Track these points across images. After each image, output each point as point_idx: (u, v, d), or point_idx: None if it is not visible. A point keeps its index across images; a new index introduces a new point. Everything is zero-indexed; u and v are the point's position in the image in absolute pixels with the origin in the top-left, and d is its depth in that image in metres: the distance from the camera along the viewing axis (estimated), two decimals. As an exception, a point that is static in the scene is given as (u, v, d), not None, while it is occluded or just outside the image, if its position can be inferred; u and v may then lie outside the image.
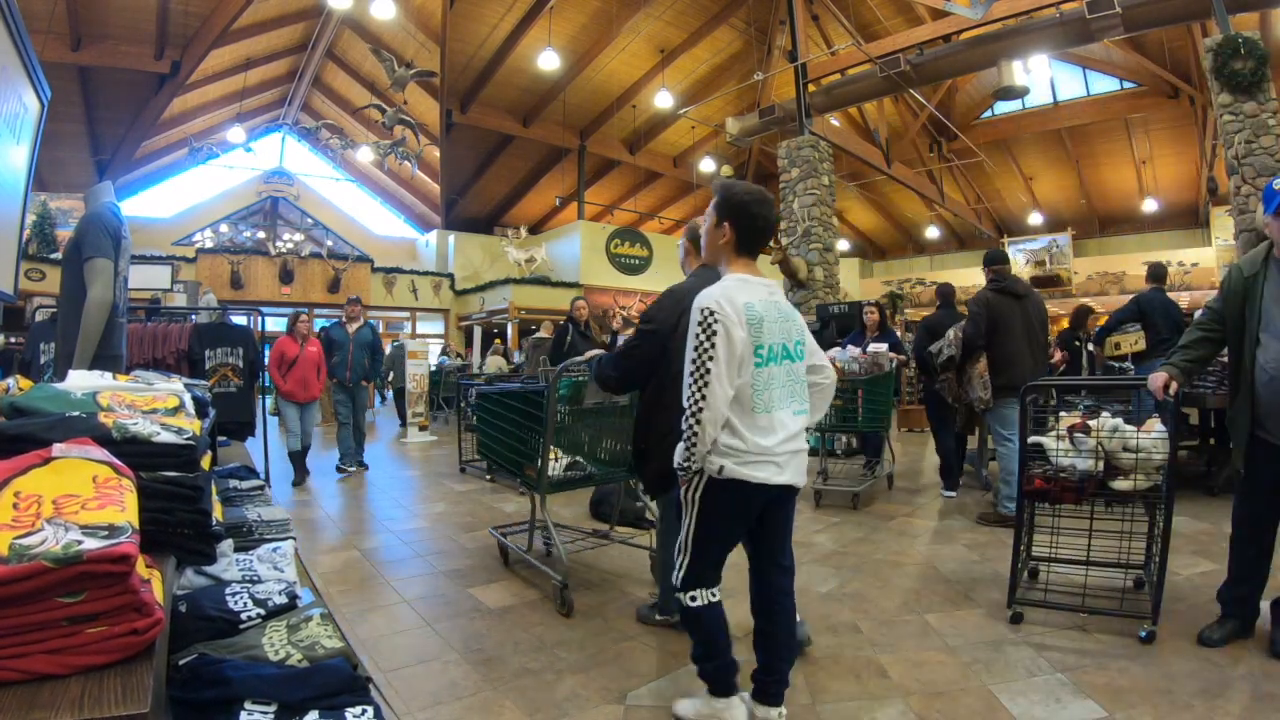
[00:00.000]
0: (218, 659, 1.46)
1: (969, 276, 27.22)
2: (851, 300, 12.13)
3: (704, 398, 2.46)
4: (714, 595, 2.80)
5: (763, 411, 2.57)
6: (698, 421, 2.47)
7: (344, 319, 9.24)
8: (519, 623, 3.85)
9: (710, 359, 2.45)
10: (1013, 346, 5.77)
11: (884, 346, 7.12)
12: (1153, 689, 2.92)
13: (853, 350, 7.03)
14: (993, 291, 5.98)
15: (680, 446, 2.57)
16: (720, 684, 2.76)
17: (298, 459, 8.08)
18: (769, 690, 2.75)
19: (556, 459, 4.31)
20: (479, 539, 5.63)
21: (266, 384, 8.22)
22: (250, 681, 1.38)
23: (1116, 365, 7.64)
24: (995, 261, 6.20)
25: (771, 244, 14.80)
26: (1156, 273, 7.58)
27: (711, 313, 2.47)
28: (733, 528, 2.80)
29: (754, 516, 2.76)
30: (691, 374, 2.50)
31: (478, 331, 20.31)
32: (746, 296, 2.57)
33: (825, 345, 6.71)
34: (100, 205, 3.42)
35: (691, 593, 2.75)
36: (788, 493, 2.77)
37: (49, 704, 0.97)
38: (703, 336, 2.48)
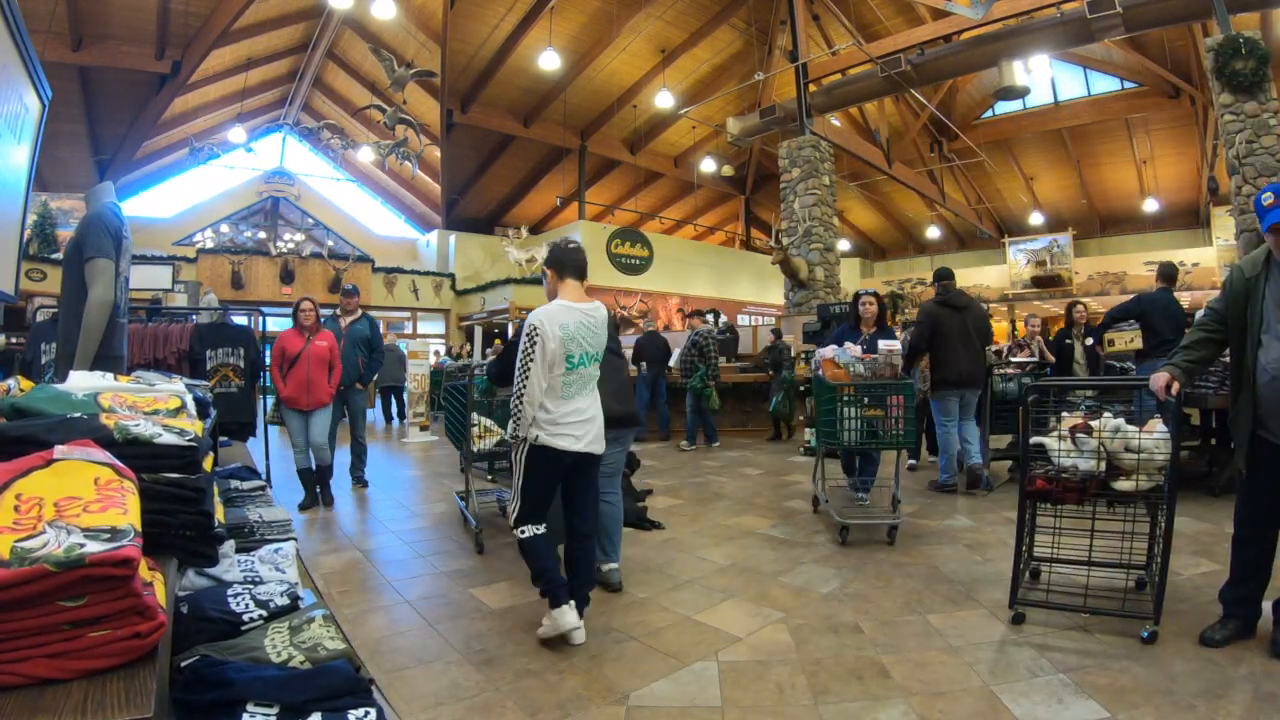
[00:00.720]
0: (220, 660, 1.46)
1: (970, 276, 27.28)
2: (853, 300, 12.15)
3: (526, 387, 3.50)
4: (539, 529, 3.66)
5: (567, 399, 3.60)
6: (521, 403, 3.52)
7: (338, 311, 8.03)
8: (521, 623, 3.85)
9: (531, 360, 3.49)
10: (950, 351, 6.84)
11: (895, 344, 5.67)
12: (1155, 689, 2.91)
13: (853, 349, 5.61)
14: (937, 304, 7.10)
15: (510, 422, 3.65)
16: (554, 598, 3.58)
17: (308, 479, 6.82)
18: (579, 603, 3.67)
19: (483, 437, 5.69)
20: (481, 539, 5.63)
21: (267, 383, 7.49)
22: (253, 683, 1.38)
23: (1118, 365, 7.63)
24: (942, 278, 7.26)
25: (772, 244, 14.83)
26: (1166, 273, 7.56)
27: (535, 327, 3.51)
28: (547, 481, 3.69)
29: (562, 475, 3.72)
30: (518, 369, 3.54)
31: (479, 331, 20.28)
32: (564, 319, 3.59)
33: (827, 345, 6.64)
34: (101, 205, 3.42)
35: (522, 528, 3.64)
36: (587, 459, 3.73)
37: (51, 708, 0.96)
38: (527, 343, 3.51)
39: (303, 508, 6.71)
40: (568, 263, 3.85)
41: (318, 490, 6.92)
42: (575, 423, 3.60)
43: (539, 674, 3.22)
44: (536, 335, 3.49)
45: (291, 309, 6.91)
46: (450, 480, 8.26)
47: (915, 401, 5.58)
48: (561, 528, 3.93)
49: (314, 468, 6.81)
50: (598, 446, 3.74)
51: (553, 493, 3.77)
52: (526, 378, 3.48)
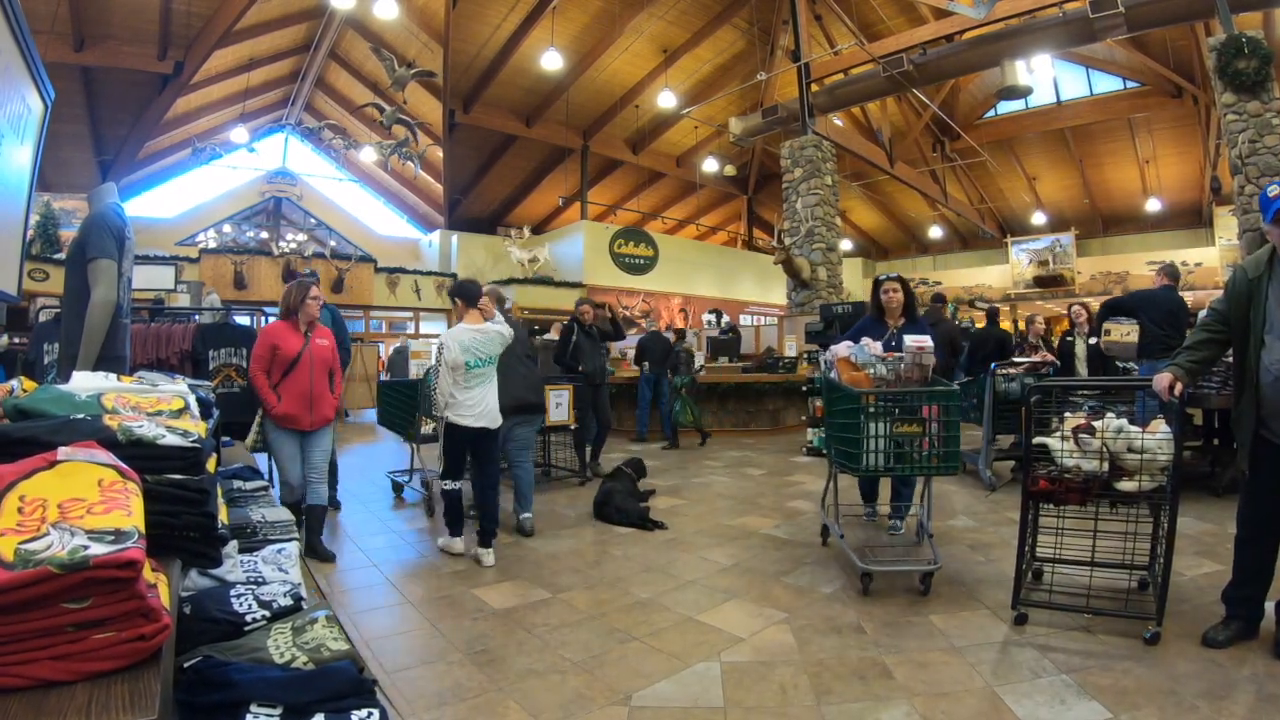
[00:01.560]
0: (223, 661, 1.46)
1: (972, 276, 27.31)
2: (855, 300, 12.11)
3: (439, 382, 5.06)
4: (456, 485, 5.26)
5: (469, 390, 5.04)
6: (436, 394, 5.12)
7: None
8: (523, 623, 3.85)
9: (441, 363, 5.02)
10: None
11: (926, 339, 4.48)
12: (1157, 690, 2.91)
13: (872, 346, 4.60)
14: None
15: (433, 407, 5.22)
16: (452, 529, 5.30)
17: (313, 518, 5.16)
18: (483, 539, 5.08)
19: (424, 424, 7.13)
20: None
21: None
22: (256, 684, 1.37)
23: (1121, 365, 7.62)
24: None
25: (775, 244, 14.82)
26: (1168, 271, 7.55)
27: (443, 343, 5.06)
28: (459, 449, 5.22)
29: (469, 443, 5.18)
30: (436, 370, 5.23)
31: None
32: (463, 337, 5.05)
33: (828, 345, 6.62)
34: (104, 206, 3.42)
35: (445, 482, 5.26)
36: (485, 432, 5.15)
37: (56, 711, 0.96)
38: (441, 352, 5.04)
39: (307, 553, 4.79)
40: (466, 296, 5.27)
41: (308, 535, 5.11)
42: (472, 406, 5.04)
43: (541, 674, 3.23)
44: (444, 348, 5.03)
45: (285, 292, 5.22)
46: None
47: (959, 413, 4.43)
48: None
49: (306, 504, 5.15)
50: (492, 424, 5.19)
51: (464, 456, 5.26)
52: (438, 376, 5.09)
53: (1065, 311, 9.52)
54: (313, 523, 5.14)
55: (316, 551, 5.05)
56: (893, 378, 4.44)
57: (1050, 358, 8.20)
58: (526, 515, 5.89)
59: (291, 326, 5.10)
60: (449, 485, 5.21)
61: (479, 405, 5.06)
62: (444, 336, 5.08)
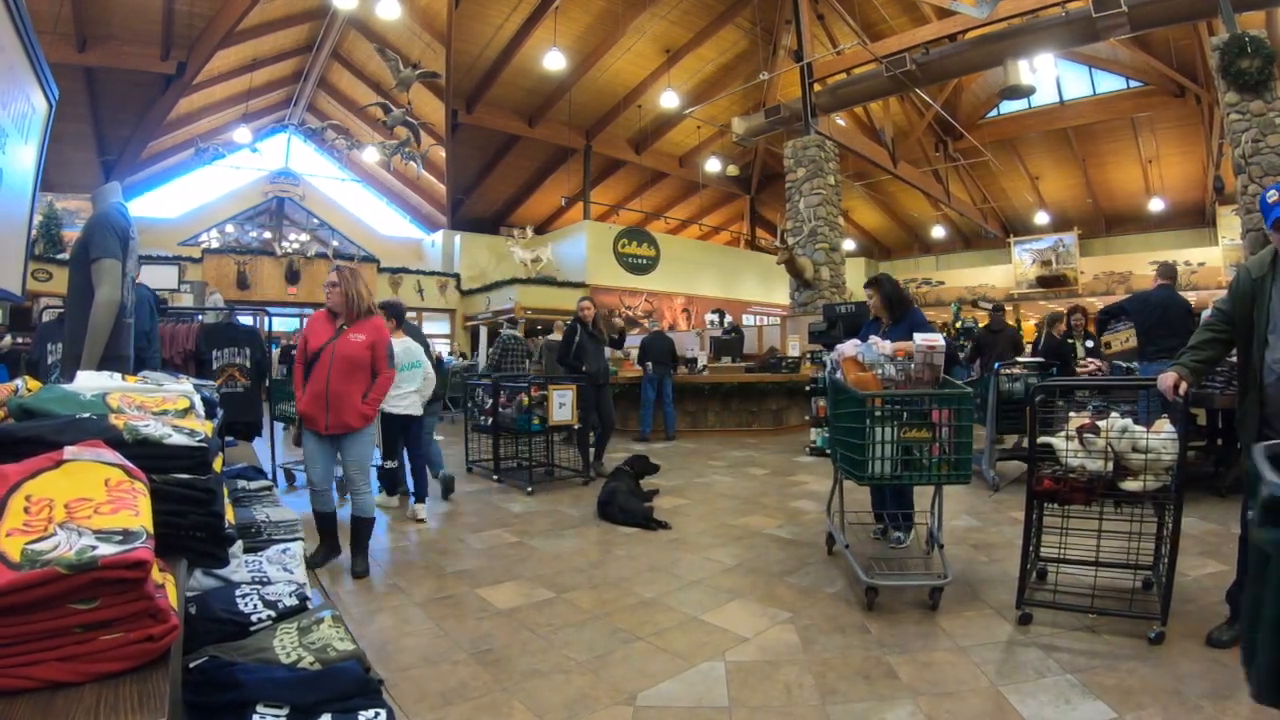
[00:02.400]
0: (229, 662, 1.46)
1: (975, 276, 27.28)
2: (858, 300, 12.09)
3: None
4: (394, 463, 6.68)
5: (398, 385, 5.86)
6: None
7: None
8: (527, 623, 3.85)
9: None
10: None
11: (937, 338, 4.20)
12: (1162, 690, 2.91)
13: (882, 345, 4.33)
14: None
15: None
16: (388, 492, 6.82)
17: (326, 524, 4.97)
18: (418, 498, 6.40)
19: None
20: (486, 539, 5.64)
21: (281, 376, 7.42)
22: (262, 684, 1.38)
23: (1124, 365, 7.60)
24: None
25: (778, 244, 14.83)
26: (1163, 271, 7.52)
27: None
28: (395, 434, 6.43)
29: (400, 428, 6.37)
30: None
31: (484, 331, 20.33)
32: (395, 347, 5.17)
33: (831, 345, 6.62)
34: (108, 206, 3.42)
35: (384, 460, 6.64)
36: (410, 419, 6.33)
37: (63, 712, 0.96)
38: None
39: (312, 564, 4.64)
40: (396, 315, 6.33)
41: (336, 543, 4.99)
42: (398, 396, 6.08)
43: (546, 674, 3.23)
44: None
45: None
46: (457, 480, 8.24)
47: (972, 417, 4.09)
48: None
49: (335, 514, 5.02)
50: (416, 412, 6.41)
51: (398, 439, 6.52)
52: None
53: (1065, 312, 9.42)
54: (352, 536, 4.84)
55: (353, 569, 4.72)
56: (902, 379, 4.16)
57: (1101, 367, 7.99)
58: (444, 473, 7.40)
59: (327, 318, 4.78)
60: (389, 464, 6.71)
61: (403, 396, 6.22)
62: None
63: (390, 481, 6.85)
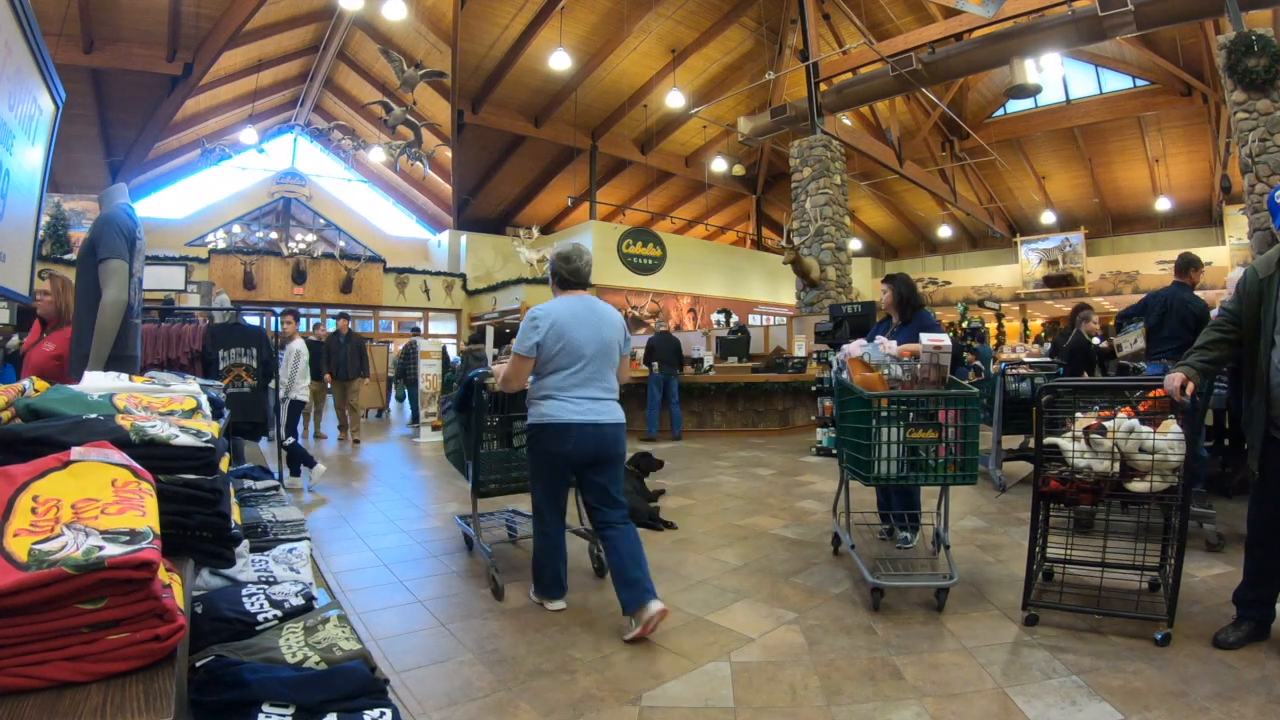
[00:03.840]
0: (235, 661, 1.47)
1: (982, 276, 27.22)
2: (865, 300, 12.09)
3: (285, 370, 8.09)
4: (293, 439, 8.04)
5: (302, 380, 8.33)
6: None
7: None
8: (533, 623, 3.85)
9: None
10: None
11: (943, 338, 4.13)
12: (1168, 691, 2.90)
13: (888, 345, 4.30)
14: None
15: None
16: (302, 464, 7.73)
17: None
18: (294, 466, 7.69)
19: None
20: (492, 539, 5.64)
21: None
22: (268, 684, 1.38)
23: (1130, 365, 7.57)
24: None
25: (784, 244, 14.81)
26: (1176, 264, 7.40)
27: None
28: (296, 415, 7.95)
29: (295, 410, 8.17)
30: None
31: (490, 331, 20.32)
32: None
33: (838, 345, 6.60)
34: (115, 207, 3.44)
35: (289, 439, 7.72)
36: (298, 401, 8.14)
37: (70, 712, 0.96)
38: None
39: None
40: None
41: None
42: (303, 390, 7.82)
43: (551, 674, 3.23)
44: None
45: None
46: (463, 480, 8.21)
47: (979, 417, 4.07)
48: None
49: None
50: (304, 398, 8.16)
51: (298, 418, 8.05)
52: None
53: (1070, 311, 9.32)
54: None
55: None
56: (908, 379, 4.13)
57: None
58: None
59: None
60: (300, 441, 8.31)
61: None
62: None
63: (302, 463, 7.75)
